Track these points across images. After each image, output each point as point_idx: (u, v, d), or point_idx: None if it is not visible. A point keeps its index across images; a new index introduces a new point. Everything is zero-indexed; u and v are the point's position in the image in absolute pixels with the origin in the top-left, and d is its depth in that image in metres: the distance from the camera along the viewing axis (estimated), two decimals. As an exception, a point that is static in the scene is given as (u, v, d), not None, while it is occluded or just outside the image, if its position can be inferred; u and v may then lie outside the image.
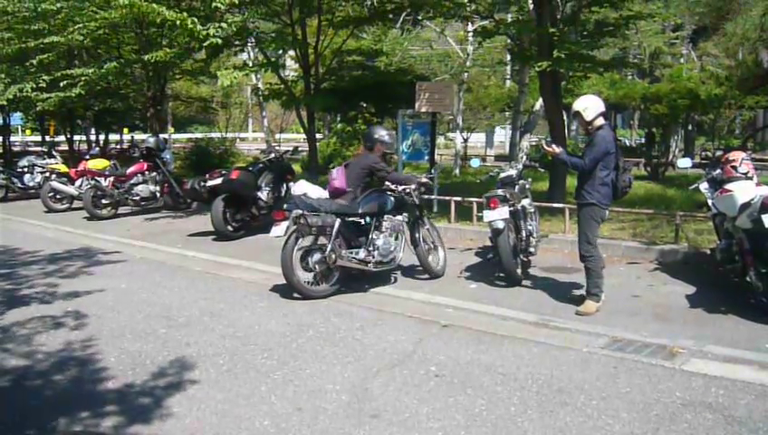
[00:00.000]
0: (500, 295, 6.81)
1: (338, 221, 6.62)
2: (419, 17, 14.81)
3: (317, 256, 6.53)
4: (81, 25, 13.53)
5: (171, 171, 13.49)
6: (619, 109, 26.96)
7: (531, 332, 5.67)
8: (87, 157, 14.96)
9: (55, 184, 13.81)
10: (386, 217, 7.07)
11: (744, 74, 14.63)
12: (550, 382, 4.51)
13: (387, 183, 7.33)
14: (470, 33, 21.85)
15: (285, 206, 6.81)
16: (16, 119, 27.55)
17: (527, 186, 8.21)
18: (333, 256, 6.51)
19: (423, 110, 11.67)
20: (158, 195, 13.12)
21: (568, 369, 4.76)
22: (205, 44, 10.94)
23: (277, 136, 28.37)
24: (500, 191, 7.28)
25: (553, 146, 6.70)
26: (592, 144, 6.21)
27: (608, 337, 5.48)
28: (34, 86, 14.58)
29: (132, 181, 13.00)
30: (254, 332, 5.58)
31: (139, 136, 36.45)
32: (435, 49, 24.47)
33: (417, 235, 7.37)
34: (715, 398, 4.24)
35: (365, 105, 14.38)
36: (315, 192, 7.21)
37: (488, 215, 7.11)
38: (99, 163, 13.93)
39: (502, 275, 7.42)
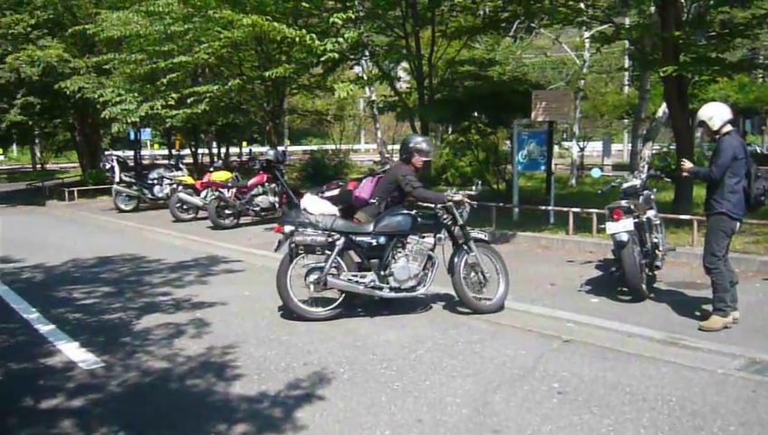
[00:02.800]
0: (624, 311, 6.55)
1: (341, 240, 6.22)
2: (534, 25, 14.55)
3: (312, 276, 6.22)
4: (206, 45, 14.17)
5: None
6: (749, 114, 25.42)
7: (659, 350, 5.40)
8: (211, 169, 15.65)
9: (182, 195, 14.54)
10: (410, 238, 6.37)
11: None
12: (682, 404, 4.27)
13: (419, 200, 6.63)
14: (587, 39, 21.37)
15: (281, 220, 6.49)
16: (146, 134, 29.26)
17: (652, 196, 7.86)
18: (325, 277, 6.14)
19: (539, 119, 11.47)
20: (277, 205, 13.54)
21: (701, 391, 4.50)
22: (322, 59, 11.22)
23: (389, 147, 28.69)
24: (624, 202, 7.02)
25: (684, 162, 6.47)
26: (719, 151, 5.88)
27: (744, 358, 5.13)
28: (164, 103, 15.41)
29: (253, 192, 13.48)
30: (373, 341, 5.62)
31: (256, 149, 38.05)
32: (549, 57, 24.01)
33: (455, 259, 6.42)
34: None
35: (478, 115, 14.24)
36: (320, 207, 6.46)
37: (611, 227, 6.86)
38: (222, 175, 14.56)
39: (625, 289, 7.15)
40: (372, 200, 6.95)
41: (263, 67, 16.00)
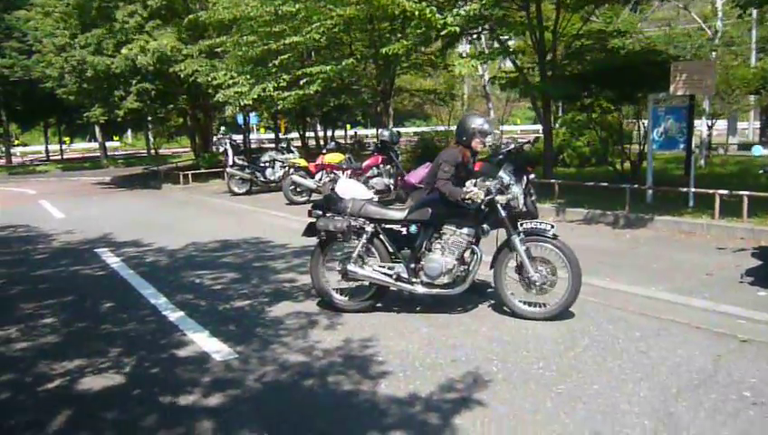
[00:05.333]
0: (802, 306, 5.76)
1: (369, 226, 5.71)
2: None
3: (341, 266, 5.83)
4: (317, 24, 13.95)
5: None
6: None
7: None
8: (324, 151, 15.48)
9: (296, 178, 14.42)
10: (446, 227, 5.63)
11: None
12: None
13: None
14: (719, 7, 19.82)
15: (313, 205, 5.97)
16: (253, 118, 29.65)
17: (826, 176, 6.95)
18: (349, 266, 5.72)
19: (680, 93, 10.52)
20: (392, 187, 13.20)
21: None
22: (443, 33, 10.69)
23: (501, 127, 27.87)
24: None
25: None
26: None
27: None
28: (276, 85, 15.34)
29: (368, 174, 13.19)
30: (523, 336, 5.12)
31: (361, 131, 38.01)
32: (674, 28, 22.49)
33: (498, 256, 5.64)
34: None
35: (603, 91, 13.32)
36: (353, 190, 5.97)
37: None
38: (335, 157, 14.37)
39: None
40: (421, 185, 6.31)
41: (373, 47, 15.67)
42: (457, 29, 10.59)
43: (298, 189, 14.48)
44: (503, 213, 5.50)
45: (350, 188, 6.04)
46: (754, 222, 9.08)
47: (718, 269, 7.19)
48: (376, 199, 6.22)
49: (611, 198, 11.11)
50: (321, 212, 5.86)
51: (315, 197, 14.00)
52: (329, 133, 30.94)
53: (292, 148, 17.56)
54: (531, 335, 5.12)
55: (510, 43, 14.86)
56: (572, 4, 12.78)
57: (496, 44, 13.73)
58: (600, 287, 6.33)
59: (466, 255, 5.67)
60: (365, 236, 5.76)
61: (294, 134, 30.16)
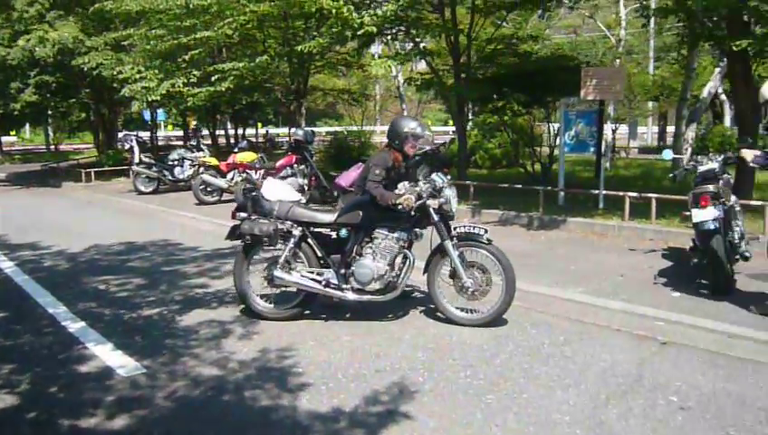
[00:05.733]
0: (712, 307, 5.88)
1: (297, 230, 5.47)
2: (572, 1, 13.75)
3: (267, 272, 5.60)
4: (230, 20, 13.51)
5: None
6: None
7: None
8: (236, 150, 15.02)
9: (206, 177, 13.91)
10: (377, 231, 5.42)
11: None
12: (832, 425, 3.64)
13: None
14: (623, 16, 20.57)
15: (237, 207, 5.72)
16: (161, 114, 28.62)
17: (731, 181, 7.19)
18: (275, 271, 5.49)
19: (590, 97, 10.75)
20: (306, 188, 12.91)
21: None
22: (360, 33, 10.51)
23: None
24: (711, 187, 6.34)
25: (744, 151, 5.94)
26: None
27: None
28: (186, 81, 14.77)
29: (282, 174, 12.84)
30: (447, 343, 4.99)
31: (273, 130, 37.39)
32: (579, 35, 23.18)
33: (431, 260, 5.49)
34: None
35: (515, 94, 13.52)
36: (280, 192, 5.73)
37: (699, 214, 6.20)
38: (248, 156, 13.96)
39: (704, 281, 6.51)
40: (352, 188, 6.14)
41: (287, 45, 15.34)
42: (374, 29, 10.44)
43: (208, 189, 13.97)
44: (435, 217, 5.34)
45: (276, 190, 5.77)
46: (662, 223, 9.36)
47: (632, 271, 7.32)
48: (304, 201, 5.96)
49: (524, 199, 11.24)
50: (245, 214, 5.57)
51: (227, 197, 13.58)
52: (240, 132, 30.23)
53: (202, 146, 16.96)
54: (456, 342, 5.00)
55: (424, 45, 14.88)
56: (485, 8, 12.86)
57: (411, 46, 13.64)
58: (521, 290, 6.21)
59: (398, 260, 5.47)
60: (292, 240, 5.51)
61: (205, 132, 29.31)
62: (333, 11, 10.19)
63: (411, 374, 4.35)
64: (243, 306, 5.80)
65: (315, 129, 33.10)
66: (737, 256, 6.60)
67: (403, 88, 25.55)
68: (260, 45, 16.29)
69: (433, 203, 5.31)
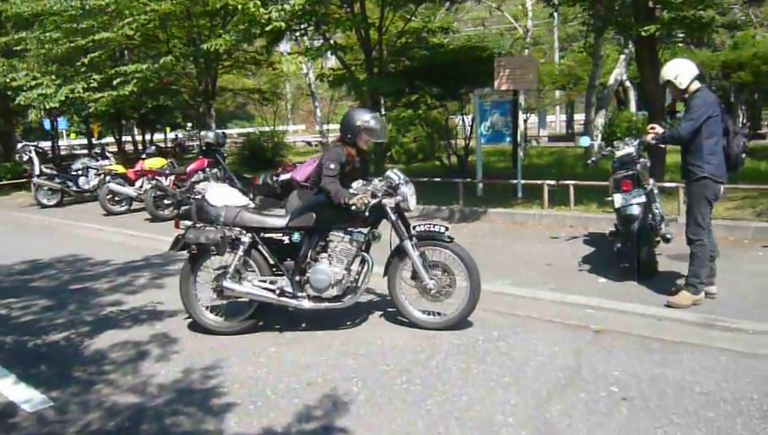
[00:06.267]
0: (639, 291, 5.92)
1: (246, 237, 5.08)
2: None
3: (216, 283, 5.19)
4: (130, 20, 12.90)
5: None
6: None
7: (701, 335, 4.79)
8: (143, 156, 14.34)
9: (113, 186, 13.21)
10: (333, 234, 5.08)
11: None
12: (770, 404, 3.63)
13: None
14: (530, 6, 20.88)
15: (180, 214, 5.49)
16: (62, 123, 27.28)
17: (648, 164, 7.25)
18: (225, 282, 5.09)
19: (503, 87, 10.76)
20: (221, 192, 12.44)
21: (780, 384, 3.87)
22: (267, 29, 10.16)
23: (324, 127, 27.63)
24: (631, 171, 6.37)
25: (654, 127, 5.93)
26: (690, 108, 5.30)
27: (796, 338, 4.57)
28: (86, 86, 14.02)
29: (193, 179, 12.31)
30: (380, 347, 4.76)
31: (182, 134, 36.28)
32: (487, 27, 23.45)
33: (390, 261, 5.16)
34: None
35: (429, 87, 13.46)
36: (226, 197, 5.29)
37: (620, 199, 6.22)
38: (156, 162, 13.33)
39: (629, 265, 6.54)
40: (306, 184, 5.81)
41: (193, 44, 14.80)
42: (282, 24, 10.11)
43: (116, 198, 13.28)
44: (392, 217, 5.03)
45: (222, 195, 5.33)
46: (581, 209, 9.47)
47: (557, 259, 7.32)
48: (253, 205, 5.57)
49: (443, 192, 11.17)
50: (189, 223, 5.18)
51: (136, 205, 12.96)
52: (147, 137, 29.20)
53: (107, 153, 16.14)
54: (388, 346, 4.78)
55: (335, 40, 14.65)
56: (394, 2, 12.72)
57: (321, 42, 13.34)
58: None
59: (356, 263, 5.14)
60: (242, 247, 5.11)
61: (110, 139, 28.12)
62: (239, 6, 9.81)
63: (344, 385, 4.11)
64: (159, 323, 5.42)
65: (227, 130, 32.37)
66: (658, 239, 6.67)
67: (315, 85, 25.20)
68: (164, 45, 15.66)
69: (389, 202, 5.00)
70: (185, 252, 5.20)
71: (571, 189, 9.51)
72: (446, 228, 5.13)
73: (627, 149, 6.87)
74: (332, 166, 5.05)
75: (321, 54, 12.94)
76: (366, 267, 5.14)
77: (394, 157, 18.68)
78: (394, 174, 5.13)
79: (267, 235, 5.21)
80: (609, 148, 7.20)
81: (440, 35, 15.51)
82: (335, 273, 5.02)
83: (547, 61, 25.96)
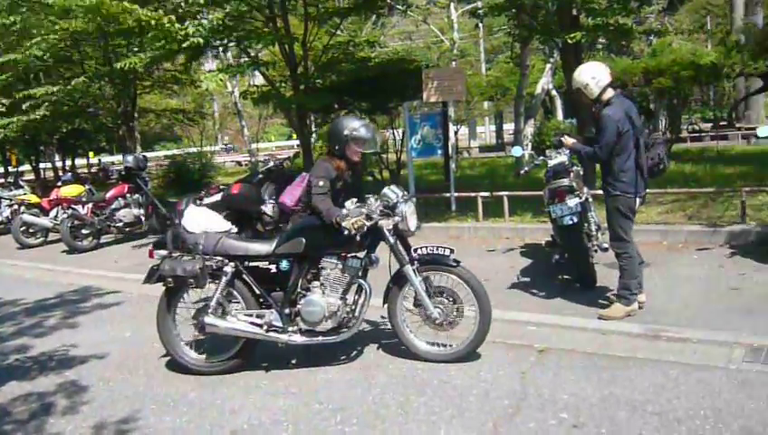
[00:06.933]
0: (580, 303, 5.73)
1: (228, 267, 4.60)
2: (405, 6, 13.72)
3: (197, 318, 4.71)
4: (39, 39, 12.21)
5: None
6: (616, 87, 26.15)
7: (648, 348, 4.60)
8: (59, 184, 13.57)
9: (27, 217, 12.41)
10: (325, 260, 4.64)
11: (760, 36, 13.80)
12: (726, 422, 3.43)
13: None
14: (455, 21, 20.94)
15: (155, 243, 4.90)
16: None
17: (581, 172, 7.13)
18: (206, 318, 4.62)
19: (432, 99, 10.57)
20: (143, 218, 11.84)
21: (732, 398, 3.69)
22: (185, 45, 9.70)
23: (253, 146, 27.08)
24: (565, 181, 6.21)
25: (565, 137, 5.87)
26: (600, 128, 5.18)
27: (742, 345, 4.45)
28: (-7, 111, 13.23)
29: (113, 206, 11.68)
30: (312, 384, 4.39)
31: (106, 158, 35.05)
32: (413, 41, 23.43)
33: (391, 288, 4.70)
34: None
35: (359, 102, 13.20)
36: (205, 222, 4.83)
37: (558, 210, 6.03)
38: (73, 190, 12.57)
39: (567, 277, 6.38)
40: (297, 207, 5.30)
41: (108, 64, 14.15)
42: (201, 40, 9.66)
43: (30, 230, 12.45)
44: (391, 240, 4.54)
45: (200, 220, 4.83)
46: (516, 220, 9.32)
47: (495, 273, 7.08)
48: (235, 231, 5.02)
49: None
50: (165, 252, 4.70)
51: (53, 236, 12.21)
52: (68, 163, 28.00)
53: (20, 182, 15.24)
54: (321, 381, 4.42)
55: (260, 55, 14.26)
56: (318, 16, 12.42)
57: (245, 58, 12.92)
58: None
59: (352, 291, 4.68)
60: (224, 278, 4.63)
61: (28, 166, 26.84)
62: (153, 22, 9.31)
63: (274, 430, 3.73)
64: (69, 370, 4.92)
65: (152, 153, 31.44)
66: (595, 248, 6.53)
67: (241, 104, 24.66)
68: (78, 66, 14.94)
69: (387, 223, 4.51)
70: (161, 285, 4.71)
71: (506, 200, 9.35)
72: (452, 250, 4.60)
73: (559, 158, 6.72)
74: (321, 183, 4.60)
75: (243, 71, 12.52)
76: (363, 296, 4.65)
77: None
78: (391, 191, 4.63)
79: (252, 263, 4.74)
80: (542, 157, 7.04)
81: (367, 49, 15.28)
82: (329, 303, 4.55)
83: (474, 72, 26.15)
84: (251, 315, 4.68)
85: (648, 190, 5.64)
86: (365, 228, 4.38)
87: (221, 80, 10.24)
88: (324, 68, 12.55)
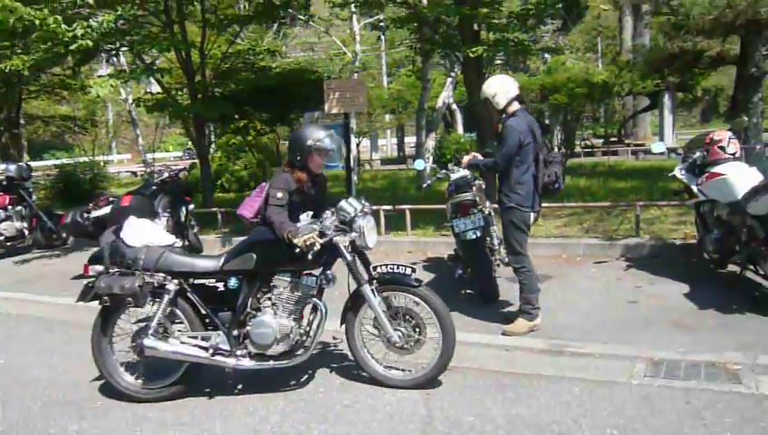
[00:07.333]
0: (483, 319, 5.69)
1: (171, 285, 4.25)
2: (307, 16, 13.51)
3: (136, 341, 4.32)
4: None
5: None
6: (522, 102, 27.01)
7: (552, 364, 4.56)
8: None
9: None
10: (277, 278, 4.31)
11: (648, 57, 14.54)
12: (631, 440, 3.41)
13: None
14: (357, 33, 20.91)
15: (91, 257, 4.49)
16: None
17: (483, 186, 7.13)
18: (146, 340, 4.23)
19: (334, 111, 10.43)
20: (27, 232, 11.05)
21: (636, 415, 3.69)
22: (72, 47, 9.14)
23: (149, 156, 26.08)
24: (468, 195, 6.18)
25: (465, 158, 5.93)
26: (503, 138, 5.20)
27: (642, 359, 4.48)
28: None
29: (-7, 220, 10.86)
30: (205, 412, 4.08)
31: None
32: (315, 52, 23.29)
33: (348, 307, 4.41)
34: None
35: (258, 112, 12.89)
36: (147, 235, 4.42)
37: (461, 224, 5.98)
38: (-60, 205, 11.60)
39: (470, 292, 6.35)
40: (255, 219, 5.08)
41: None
42: (90, 43, 9.12)
43: None
44: (348, 257, 4.22)
45: (141, 232, 4.41)
46: (418, 234, 9.28)
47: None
48: (178, 245, 4.60)
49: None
50: (102, 268, 4.28)
51: None
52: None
53: None
54: (216, 410, 4.11)
55: (157, 62, 13.72)
56: (218, 23, 12.06)
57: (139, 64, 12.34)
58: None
59: (307, 312, 4.36)
60: (166, 296, 4.26)
61: None
62: (37, 22, 8.71)
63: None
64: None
65: (42, 162, 29.71)
66: (498, 262, 6.54)
67: (135, 112, 23.73)
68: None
69: (343, 240, 4.20)
70: (96, 304, 4.28)
71: (408, 214, 9.30)
72: (413, 270, 4.34)
73: (461, 172, 6.70)
74: (280, 194, 4.27)
75: (137, 78, 11.96)
76: (319, 317, 4.30)
77: (225, 185, 17.86)
78: (349, 205, 4.30)
79: (198, 280, 4.39)
80: (444, 171, 7.00)
81: (268, 59, 15.00)
82: (281, 325, 4.20)
83: (376, 85, 26.28)
84: (195, 337, 4.33)
85: (545, 205, 5.68)
86: (317, 246, 4.04)
87: (112, 86, 9.71)
88: (223, 76, 12.19)
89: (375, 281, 4.30)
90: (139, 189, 9.49)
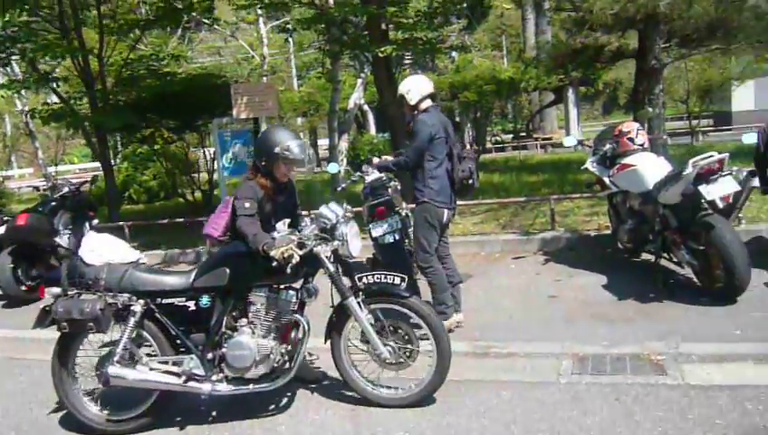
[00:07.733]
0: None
1: (137, 305, 3.87)
2: (212, 20, 13.11)
3: (99, 369, 3.93)
4: None
5: None
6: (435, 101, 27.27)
7: (478, 368, 4.49)
8: None
9: None
10: (254, 294, 3.96)
11: (552, 53, 14.76)
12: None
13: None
14: (265, 36, 20.52)
15: (47, 278, 4.24)
16: None
17: (399, 187, 7.00)
18: (111, 368, 3.85)
19: (243, 116, 10.11)
20: None
21: (568, 415, 3.64)
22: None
23: (50, 169, 24.81)
24: (384, 198, 6.03)
25: (374, 160, 5.96)
26: (414, 132, 5.15)
27: (567, 356, 4.48)
28: None
29: None
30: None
31: None
32: (222, 56, 22.77)
33: (336, 323, 4.08)
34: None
35: (165, 119, 12.38)
36: (108, 251, 4.03)
37: (379, 228, 5.83)
38: None
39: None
40: (223, 237, 4.55)
41: None
42: (-26, 51, 8.54)
43: None
44: (331, 268, 3.88)
45: (101, 249, 3.98)
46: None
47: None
48: (145, 261, 4.11)
49: (188, 233, 10.18)
50: (60, 290, 3.83)
51: None
52: None
53: None
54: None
55: (56, 70, 13.02)
56: (116, 28, 11.51)
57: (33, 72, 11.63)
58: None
59: (290, 331, 3.99)
60: (132, 319, 3.84)
61: None
62: None
63: None
64: None
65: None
66: (416, 265, 6.43)
67: (32, 123, 22.53)
68: None
69: (324, 250, 3.86)
70: (55, 329, 3.84)
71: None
72: (402, 279, 3.95)
73: (376, 174, 6.52)
74: (248, 204, 3.91)
75: (30, 87, 11.27)
76: (301, 334, 3.96)
77: (133, 197, 17.20)
78: (329, 210, 3.99)
79: (167, 300, 3.99)
80: (359, 173, 6.82)
81: (173, 64, 14.48)
82: (260, 345, 3.84)
83: (287, 88, 25.94)
84: (166, 363, 3.95)
85: (461, 203, 5.61)
86: (296, 258, 3.67)
87: (2, 96, 9.08)
88: (126, 84, 11.63)
89: (361, 292, 3.97)
90: (36, 207, 8.91)
